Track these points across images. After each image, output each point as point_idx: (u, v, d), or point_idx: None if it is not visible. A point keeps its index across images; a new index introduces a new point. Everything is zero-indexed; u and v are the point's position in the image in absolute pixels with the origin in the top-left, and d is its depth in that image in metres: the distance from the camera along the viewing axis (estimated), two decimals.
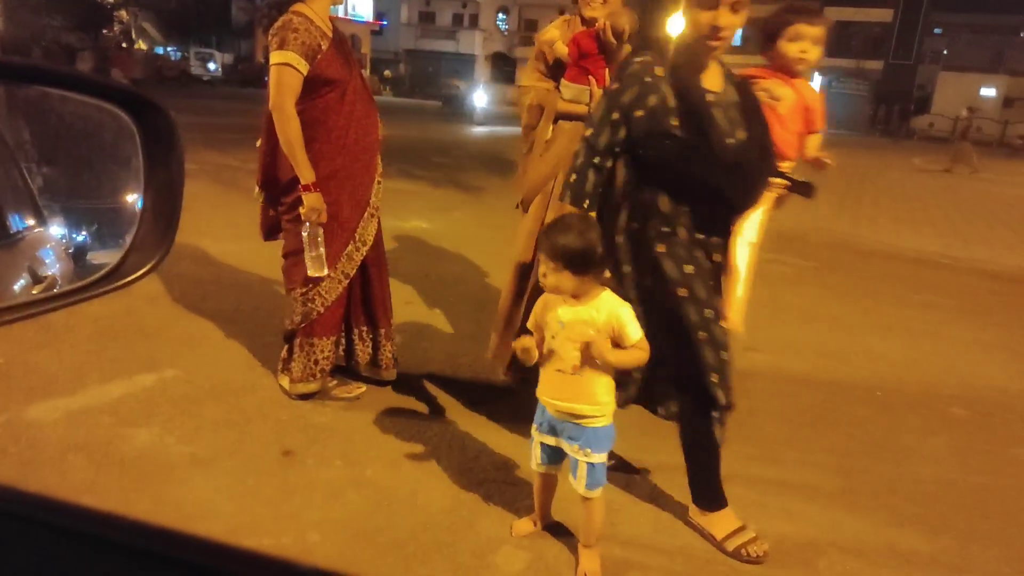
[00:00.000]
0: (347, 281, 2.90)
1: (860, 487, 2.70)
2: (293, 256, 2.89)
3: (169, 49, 50.79)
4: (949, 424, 3.33)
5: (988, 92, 43.88)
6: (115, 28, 44.01)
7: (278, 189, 2.85)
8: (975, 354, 4.35)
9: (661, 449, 2.82)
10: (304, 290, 2.87)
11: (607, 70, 3.06)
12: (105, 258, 0.88)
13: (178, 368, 3.18)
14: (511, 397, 3.12)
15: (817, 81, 45.21)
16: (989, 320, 5.11)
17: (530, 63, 3.33)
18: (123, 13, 44.83)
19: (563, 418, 1.98)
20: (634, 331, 1.92)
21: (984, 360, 4.26)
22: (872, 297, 5.47)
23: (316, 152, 2.72)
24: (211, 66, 39.26)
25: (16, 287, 0.73)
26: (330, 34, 2.70)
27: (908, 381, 3.82)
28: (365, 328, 3.10)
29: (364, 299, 3.07)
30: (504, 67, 47.98)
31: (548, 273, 1.91)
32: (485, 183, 9.70)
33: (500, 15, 49.84)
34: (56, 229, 0.87)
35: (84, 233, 0.89)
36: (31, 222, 0.78)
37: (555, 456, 2.08)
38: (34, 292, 0.75)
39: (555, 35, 3.20)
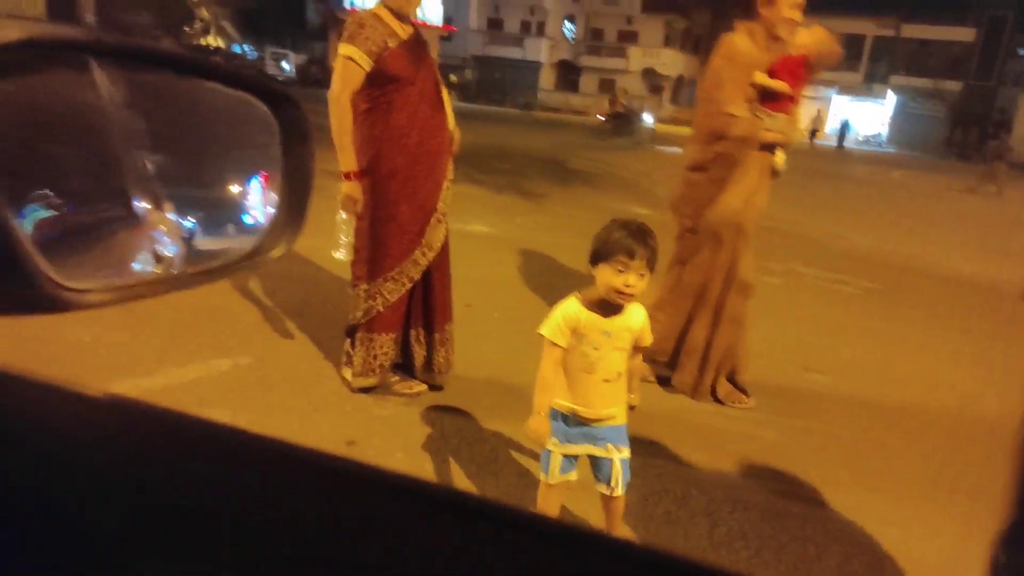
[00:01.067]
0: (410, 284, 2.95)
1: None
2: (357, 252, 2.99)
3: (245, 48, 52.45)
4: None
5: None
6: (195, 25, 45.79)
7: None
8: None
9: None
10: (367, 287, 2.95)
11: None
12: (210, 245, 0.97)
13: (251, 356, 3.33)
14: None
15: (891, 100, 43.97)
16: None
17: (730, 86, 3.14)
18: (203, 11, 46.61)
19: (601, 424, 2.02)
20: (650, 334, 2.06)
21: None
22: (938, 323, 5.31)
23: (377, 150, 2.80)
24: (285, 66, 40.52)
25: (144, 265, 0.82)
26: (402, 35, 2.76)
27: (967, 412, 3.71)
28: (422, 330, 3.14)
29: (424, 302, 3.10)
30: (569, 75, 48.01)
31: (636, 281, 1.89)
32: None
33: (567, 23, 49.93)
34: (169, 214, 0.96)
35: (192, 220, 0.97)
36: (149, 206, 0.86)
37: (573, 463, 2.09)
38: (158, 270, 0.83)
39: (754, 53, 3.09)
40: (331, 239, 3.10)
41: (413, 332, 3.14)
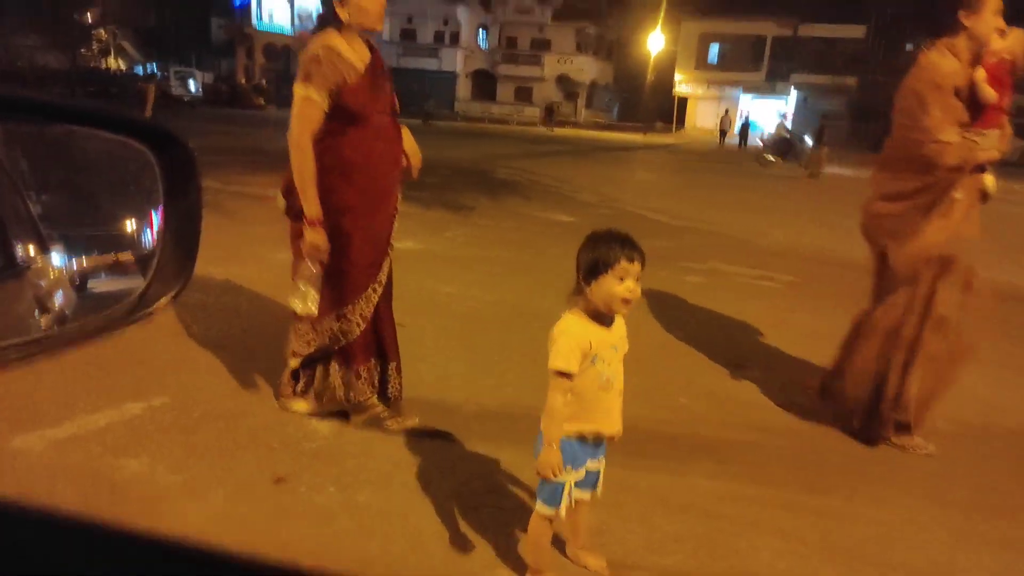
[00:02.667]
0: (363, 323, 2.85)
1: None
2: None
3: (148, 67, 50.52)
4: (934, 434, 3.35)
5: None
6: (93, 47, 43.79)
7: (298, 205, 2.74)
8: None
9: (653, 466, 2.83)
10: (332, 316, 2.84)
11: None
12: (106, 286, 0.88)
13: (167, 395, 3.14)
14: (504, 420, 3.11)
15: (792, 96, 46.12)
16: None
17: (937, 111, 2.88)
18: (101, 32, 44.63)
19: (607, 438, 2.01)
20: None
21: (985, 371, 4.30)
22: (856, 309, 5.52)
23: (328, 184, 2.66)
24: (191, 86, 39.16)
25: (27, 319, 0.73)
26: (360, 67, 2.65)
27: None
28: (374, 361, 3.03)
29: (375, 331, 2.98)
30: (486, 84, 48.29)
31: (636, 286, 1.87)
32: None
33: (481, 32, 50.21)
34: (57, 257, 0.86)
35: (84, 261, 0.88)
36: (34, 251, 0.77)
37: (586, 483, 2.02)
38: (42, 323, 0.74)
39: (959, 71, 2.83)
40: (244, 266, 2.96)
41: (370, 364, 3.01)
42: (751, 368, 4.05)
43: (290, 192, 2.74)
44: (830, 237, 8.94)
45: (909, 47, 47.61)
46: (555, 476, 1.90)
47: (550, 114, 38.75)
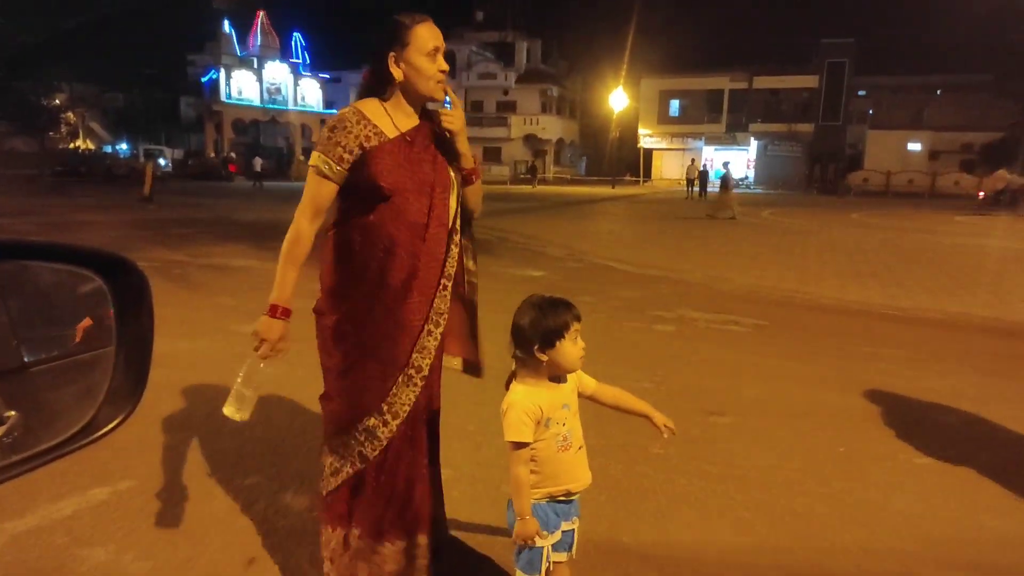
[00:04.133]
0: (359, 464, 2.15)
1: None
2: (325, 396, 2.22)
3: (118, 147, 50.72)
4: (915, 472, 3.38)
5: (915, 147, 46.53)
6: (62, 130, 44.02)
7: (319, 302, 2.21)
8: (925, 403, 4.45)
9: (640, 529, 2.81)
10: (326, 448, 2.22)
11: None
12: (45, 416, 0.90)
13: (133, 479, 3.07)
14: (479, 484, 3.08)
15: (753, 145, 47.68)
16: (934, 368, 5.26)
17: None
18: (69, 115, 44.95)
19: (578, 495, 2.00)
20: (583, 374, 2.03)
21: (939, 407, 4.36)
22: (825, 352, 5.61)
23: (335, 281, 2.14)
24: (161, 162, 39.35)
25: None
26: (390, 132, 2.08)
27: (873, 436, 3.88)
28: (400, 542, 2.21)
29: (393, 497, 2.19)
30: None
31: (582, 344, 1.91)
32: None
33: (447, 98, 51.38)
34: None
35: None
36: None
37: (562, 543, 2.00)
38: None
39: None
40: (212, 341, 2.94)
41: (387, 543, 2.21)
42: (725, 414, 4.07)
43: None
44: (791, 279, 9.11)
45: (861, 93, 49.81)
46: (533, 544, 1.90)
47: (533, 172, 41.79)
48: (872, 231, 16.57)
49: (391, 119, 2.11)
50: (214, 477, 3.12)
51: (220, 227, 14.22)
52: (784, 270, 9.96)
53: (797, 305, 7.58)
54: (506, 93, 54.00)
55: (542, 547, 1.94)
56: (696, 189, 30.97)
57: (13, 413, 0.72)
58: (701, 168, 33.11)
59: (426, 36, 2.06)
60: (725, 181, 20.83)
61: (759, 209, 24.40)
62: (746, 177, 47.55)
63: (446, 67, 2.14)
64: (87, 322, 0.82)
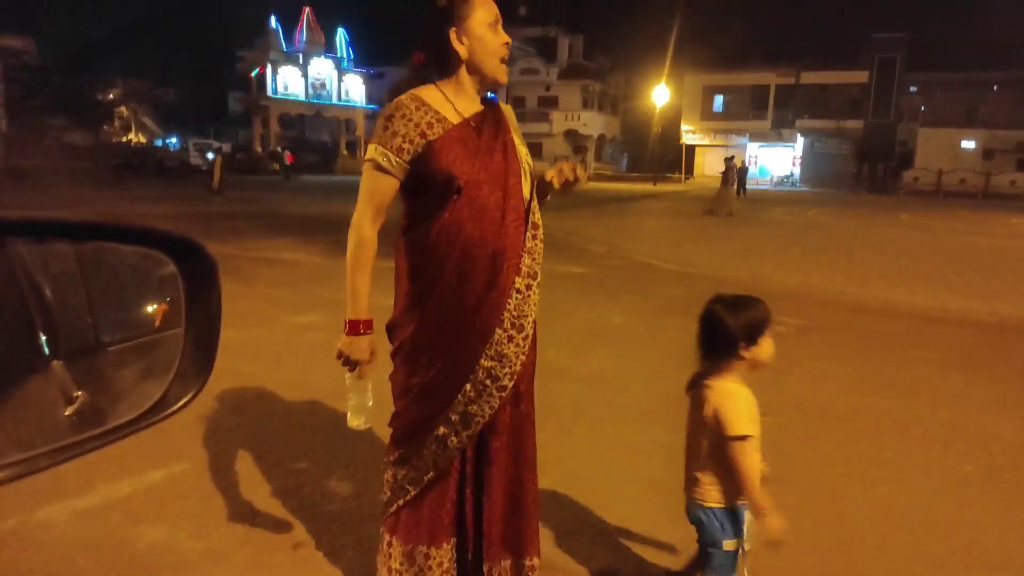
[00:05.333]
0: (435, 474, 2.01)
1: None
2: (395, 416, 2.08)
3: (169, 140, 52.06)
4: (963, 480, 3.32)
5: (968, 145, 45.06)
6: (115, 123, 45.40)
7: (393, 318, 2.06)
8: (974, 409, 4.35)
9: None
10: (392, 458, 2.07)
11: None
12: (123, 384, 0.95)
13: (186, 462, 3.19)
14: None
15: (799, 142, 46.73)
16: (984, 374, 5.13)
17: None
18: (123, 109, 46.31)
19: None
20: None
21: (988, 414, 4.26)
22: (869, 355, 5.51)
23: (412, 292, 1.97)
24: (209, 156, 40.28)
25: (54, 416, 0.79)
26: (453, 118, 1.90)
27: (918, 442, 3.82)
28: (504, 563, 2.08)
29: (481, 512, 2.06)
30: None
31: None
32: None
33: (489, 94, 51.48)
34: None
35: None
36: (60, 361, 0.83)
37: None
38: (68, 422, 0.80)
39: None
40: (261, 331, 3.03)
41: (486, 566, 2.09)
42: (767, 415, 4.04)
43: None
44: (837, 280, 8.94)
45: (912, 90, 48.39)
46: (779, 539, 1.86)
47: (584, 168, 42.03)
48: (922, 232, 16.13)
49: (452, 105, 1.92)
50: (264, 461, 3.22)
51: (268, 220, 14.52)
52: (829, 271, 9.78)
53: (842, 306, 7.45)
54: (548, 89, 53.86)
55: (733, 551, 1.95)
56: (734, 187, 30.52)
57: (80, 393, 0.77)
58: (742, 165, 32.69)
59: (485, 7, 1.92)
60: (725, 176, 20.58)
61: (805, 208, 23.92)
62: (791, 175, 46.70)
63: (508, 38, 1.98)
64: (164, 306, 0.87)
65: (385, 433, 2.11)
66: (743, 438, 1.86)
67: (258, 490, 2.96)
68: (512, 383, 1.97)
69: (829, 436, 3.81)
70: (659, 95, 42.66)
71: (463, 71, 1.94)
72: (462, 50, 1.90)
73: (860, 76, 45.39)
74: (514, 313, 1.93)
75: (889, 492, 3.17)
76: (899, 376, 4.98)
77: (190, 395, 0.78)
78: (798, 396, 4.44)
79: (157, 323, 0.86)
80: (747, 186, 30.64)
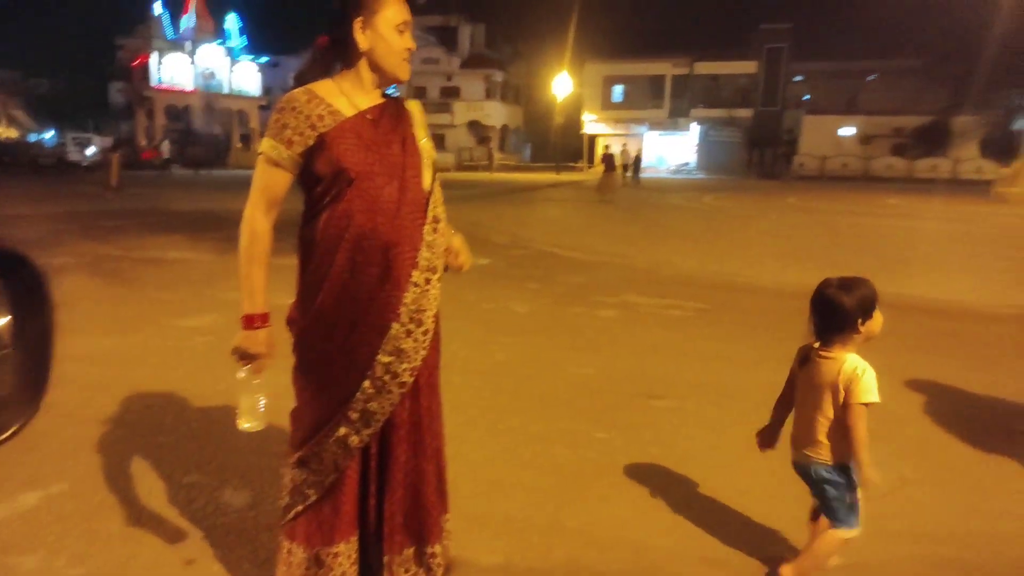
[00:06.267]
0: (332, 474, 1.97)
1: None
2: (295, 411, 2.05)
3: (43, 135, 48.57)
4: None
5: (848, 131, 48.01)
6: None
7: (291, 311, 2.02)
8: None
9: None
10: (291, 461, 2.02)
11: None
12: None
13: (65, 482, 2.96)
14: None
15: (694, 130, 48.53)
16: (869, 345, 5.46)
17: None
18: None
19: None
20: None
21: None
22: (762, 334, 5.77)
23: (307, 286, 1.94)
24: (89, 151, 37.75)
25: None
26: (348, 111, 1.90)
27: None
28: (406, 551, 2.06)
29: (383, 506, 2.04)
30: None
31: None
32: None
33: (392, 88, 50.70)
34: None
35: None
36: None
37: None
38: None
39: None
40: (145, 336, 2.86)
41: (387, 557, 2.05)
42: (665, 397, 4.16)
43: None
44: (732, 263, 9.33)
45: (798, 79, 51.08)
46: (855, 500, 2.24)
47: (491, 159, 43.27)
48: (809, 214, 17.08)
49: (347, 98, 1.92)
50: (151, 476, 3.04)
51: (152, 218, 13.76)
52: (725, 254, 10.18)
53: (737, 288, 7.77)
54: (449, 79, 53.55)
55: (859, 502, 2.26)
56: (630, 174, 31.51)
57: None
58: (635, 156, 33.75)
59: (397, 7, 1.92)
60: (608, 163, 21.52)
61: (701, 194, 24.83)
62: (687, 163, 48.46)
63: (414, 45, 1.98)
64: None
65: (283, 440, 2.03)
66: (868, 405, 2.15)
67: (146, 507, 2.78)
68: (412, 378, 1.95)
69: (725, 414, 3.95)
70: (561, 85, 43.23)
71: (363, 64, 1.94)
72: (363, 41, 1.90)
73: (750, 66, 47.51)
74: (412, 307, 1.92)
75: (783, 464, 3.31)
76: (790, 352, 5.22)
77: (15, 426, 0.70)
78: (695, 377, 4.59)
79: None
80: (644, 174, 31.61)
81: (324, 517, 1.98)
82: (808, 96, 51.73)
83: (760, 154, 47.22)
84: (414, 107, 2.08)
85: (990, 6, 32.54)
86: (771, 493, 3.02)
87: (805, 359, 2.32)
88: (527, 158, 57.98)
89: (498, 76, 54.37)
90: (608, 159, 21.55)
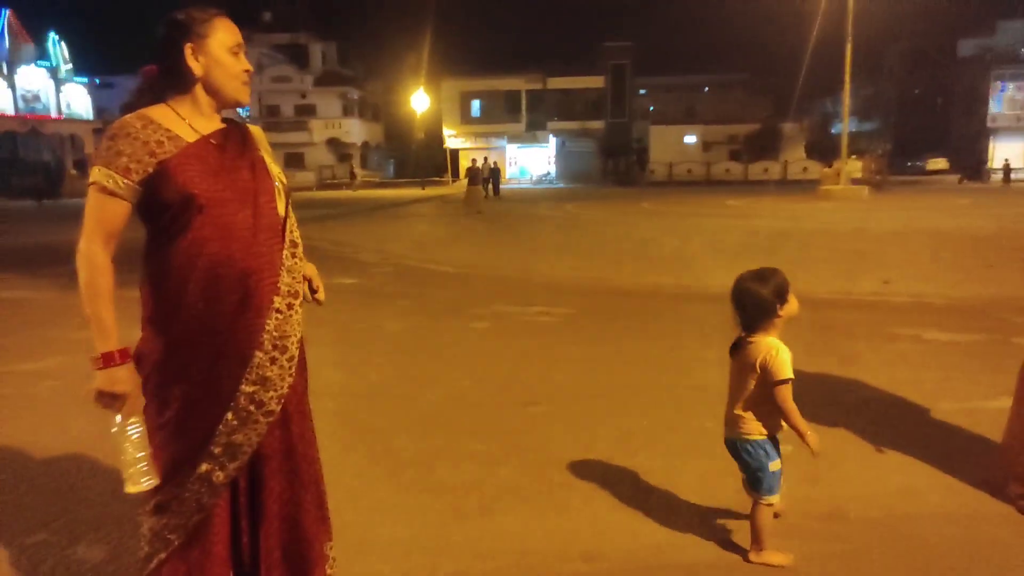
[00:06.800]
0: (201, 516, 1.85)
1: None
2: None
3: None
4: (706, 435, 3.74)
5: (690, 139, 51.50)
6: None
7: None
8: (715, 372, 4.94)
9: None
10: (149, 508, 1.87)
11: None
12: None
13: None
14: None
15: (552, 142, 50.21)
16: (718, 339, 5.85)
17: None
18: None
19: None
20: None
21: (722, 375, 4.85)
22: (626, 334, 6.05)
23: (151, 313, 1.84)
24: None
25: None
26: (189, 136, 1.82)
27: (670, 406, 4.24)
28: None
29: (259, 542, 1.95)
30: None
31: None
32: None
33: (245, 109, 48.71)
34: None
35: None
36: None
37: None
38: None
39: None
40: None
41: None
42: (540, 403, 4.27)
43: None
44: (595, 268, 9.72)
45: (642, 92, 54.15)
46: (773, 470, 2.45)
47: (353, 176, 42.07)
48: (661, 218, 18.13)
49: (187, 123, 1.84)
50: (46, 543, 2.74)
51: None
52: (588, 260, 10.59)
53: (601, 292, 8.10)
54: (304, 96, 52.24)
55: (778, 470, 2.46)
56: (490, 187, 32.15)
57: None
58: (491, 169, 34.38)
59: (227, 30, 1.87)
60: (472, 177, 21.96)
61: (563, 203, 25.66)
62: (548, 173, 50.03)
63: (250, 67, 1.94)
64: None
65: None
66: (787, 381, 2.37)
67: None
68: (280, 406, 1.89)
69: (595, 414, 4.11)
70: (418, 101, 43.35)
71: (199, 89, 1.87)
72: (197, 68, 1.84)
73: (598, 81, 49.89)
74: (275, 334, 1.87)
75: (648, 456, 3.50)
76: (652, 349, 5.53)
77: None
78: (566, 381, 4.74)
79: None
80: (508, 185, 32.24)
81: (193, 561, 1.86)
82: (653, 108, 55.07)
83: (614, 163, 49.67)
84: (257, 131, 2.04)
85: (803, 25, 36.12)
86: (639, 483, 3.18)
87: (735, 347, 2.53)
88: (390, 174, 57.56)
89: (354, 93, 53.67)
90: (473, 172, 21.77)
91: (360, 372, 4.97)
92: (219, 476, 1.85)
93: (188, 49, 1.82)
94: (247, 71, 1.92)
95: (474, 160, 22.82)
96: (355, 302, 7.50)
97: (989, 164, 43.74)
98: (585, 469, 3.35)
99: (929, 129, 53.13)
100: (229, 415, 1.83)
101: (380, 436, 3.79)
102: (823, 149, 41.85)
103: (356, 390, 4.58)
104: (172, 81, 1.87)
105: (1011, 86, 47.98)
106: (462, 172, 50.98)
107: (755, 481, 2.49)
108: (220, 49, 1.86)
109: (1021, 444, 2.92)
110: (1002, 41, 50.49)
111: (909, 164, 48.12)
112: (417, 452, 3.58)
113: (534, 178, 49.55)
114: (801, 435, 2.41)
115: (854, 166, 31.49)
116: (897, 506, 2.94)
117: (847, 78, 25.54)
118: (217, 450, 1.83)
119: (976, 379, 4.55)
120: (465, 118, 51.50)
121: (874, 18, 31.52)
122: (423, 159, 47.09)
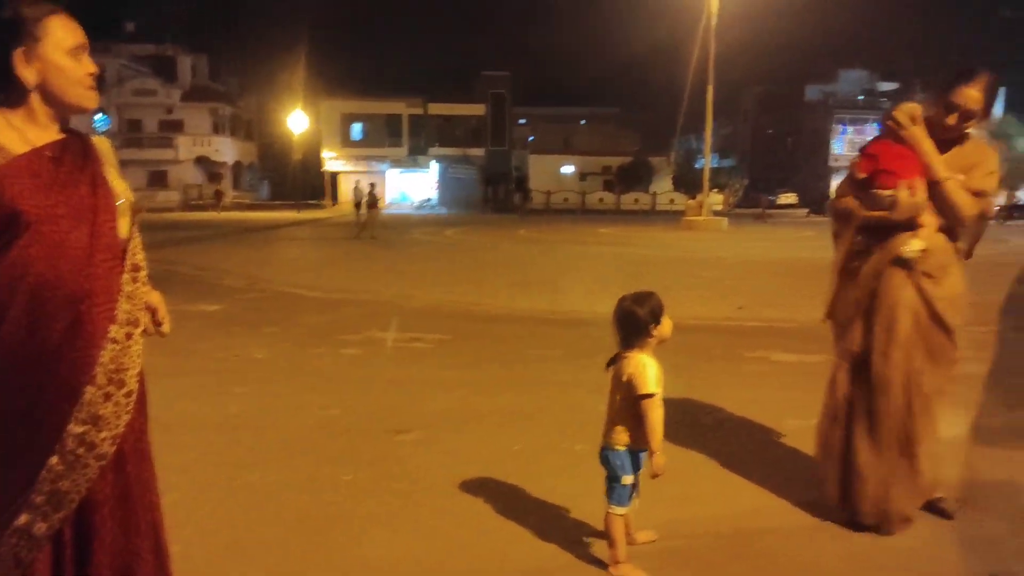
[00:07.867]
0: (19, 572, 1.68)
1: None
2: None
3: None
4: (577, 458, 3.82)
5: (568, 169, 53.33)
6: None
7: None
8: (584, 394, 5.08)
9: None
10: None
11: None
12: None
13: None
14: None
15: (434, 168, 50.35)
16: (587, 363, 6.03)
17: None
18: None
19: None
20: None
21: (591, 398, 5.00)
22: (499, 359, 6.11)
23: None
24: None
25: None
26: (18, 147, 1.65)
27: (541, 430, 4.30)
28: None
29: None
30: None
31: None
32: None
33: (98, 117, 45.49)
34: None
35: None
36: None
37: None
38: None
39: None
40: None
41: None
42: (411, 431, 4.21)
43: None
44: (471, 293, 9.78)
45: (521, 121, 55.50)
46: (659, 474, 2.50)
47: (219, 197, 40.09)
48: (536, 245, 18.57)
49: (19, 133, 1.68)
50: None
51: None
52: (464, 285, 10.63)
53: (475, 317, 8.14)
54: (170, 111, 49.49)
55: (629, 484, 2.57)
56: (363, 212, 31.91)
57: None
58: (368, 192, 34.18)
59: (64, 30, 1.70)
60: (359, 202, 22.00)
61: (442, 228, 25.72)
62: (429, 199, 50.04)
63: (94, 68, 1.77)
64: None
65: None
66: (650, 395, 2.48)
67: None
68: (114, 447, 1.73)
69: (468, 439, 4.10)
70: (296, 121, 42.19)
71: (34, 98, 1.71)
72: (31, 75, 1.68)
73: (478, 108, 50.63)
74: (110, 367, 1.71)
75: (520, 481, 3.52)
76: (525, 374, 5.60)
77: None
78: (438, 407, 4.70)
79: None
80: (388, 210, 31.99)
81: None
82: (532, 137, 56.58)
83: (494, 190, 50.46)
84: (102, 144, 1.89)
85: (670, 65, 38.50)
86: (511, 507, 3.19)
87: (611, 362, 2.68)
88: (265, 196, 55.49)
89: (226, 110, 51.49)
90: (371, 196, 21.26)
91: (219, 403, 4.70)
92: (41, 528, 1.66)
93: (18, 54, 1.65)
94: (91, 74, 1.77)
95: (373, 184, 22.46)
96: (217, 330, 7.13)
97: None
98: (456, 495, 3.33)
99: (780, 166, 57.91)
100: (54, 459, 1.64)
101: (238, 469, 3.59)
102: (688, 182, 44.49)
103: (214, 421, 4.33)
104: (2, 89, 1.69)
105: (851, 129, 53.33)
106: (343, 195, 50.20)
107: (608, 490, 2.62)
108: (57, 52, 1.69)
109: (824, 452, 3.15)
110: (843, 88, 56.25)
111: (769, 198, 52.10)
112: (278, 484, 3.42)
113: (416, 203, 49.37)
114: (650, 452, 2.53)
115: (716, 199, 33.74)
116: (746, 523, 3.12)
117: (709, 117, 27.42)
118: (39, 499, 1.64)
119: (818, 397, 4.85)
120: (345, 141, 50.63)
121: (733, 64, 34.16)
122: (300, 181, 45.73)
